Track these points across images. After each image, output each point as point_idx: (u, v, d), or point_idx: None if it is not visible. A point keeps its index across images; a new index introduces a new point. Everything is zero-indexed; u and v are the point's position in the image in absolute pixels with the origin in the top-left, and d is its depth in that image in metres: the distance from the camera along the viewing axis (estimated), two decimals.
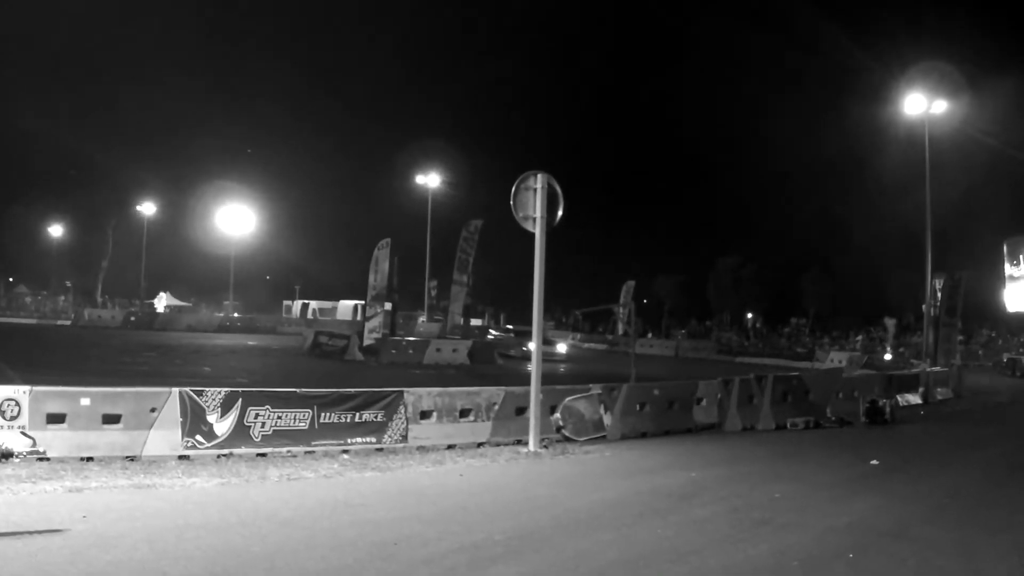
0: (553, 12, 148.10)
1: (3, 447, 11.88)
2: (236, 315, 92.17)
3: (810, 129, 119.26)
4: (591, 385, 22.13)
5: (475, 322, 68.82)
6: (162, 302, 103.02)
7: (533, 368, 19.63)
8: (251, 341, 63.50)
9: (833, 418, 26.01)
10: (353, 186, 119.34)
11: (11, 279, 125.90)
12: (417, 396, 19.14)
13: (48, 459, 14.42)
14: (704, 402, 24.22)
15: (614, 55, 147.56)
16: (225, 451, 16.79)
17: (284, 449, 17.26)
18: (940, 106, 43.28)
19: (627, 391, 22.23)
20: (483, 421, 19.89)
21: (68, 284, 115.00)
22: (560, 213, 19.78)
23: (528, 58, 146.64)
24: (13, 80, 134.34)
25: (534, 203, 19.59)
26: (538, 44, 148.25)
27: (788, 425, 24.70)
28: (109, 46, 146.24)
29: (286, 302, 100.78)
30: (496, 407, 20.05)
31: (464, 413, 19.74)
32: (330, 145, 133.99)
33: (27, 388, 15.88)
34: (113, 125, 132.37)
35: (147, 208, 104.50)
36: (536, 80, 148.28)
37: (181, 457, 16.42)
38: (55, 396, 16.19)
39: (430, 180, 78.73)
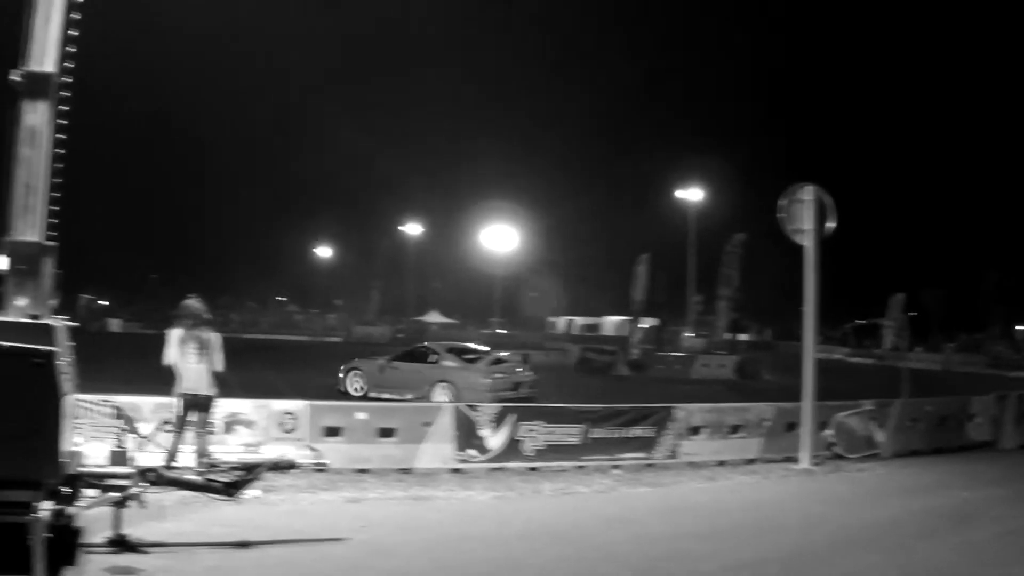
0: (817, 16, 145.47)
1: (286, 459, 12.40)
2: (502, 332, 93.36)
3: None
4: (862, 401, 21.73)
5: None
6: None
7: (805, 383, 19.35)
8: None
9: None
10: (616, 200, 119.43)
11: (284, 298, 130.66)
12: (687, 412, 19.09)
13: (324, 470, 14.96)
14: (977, 418, 23.38)
15: (884, 59, 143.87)
16: (497, 465, 17.04)
17: (555, 464, 17.44)
18: None
19: (901, 407, 21.71)
20: (753, 437, 19.67)
21: (338, 302, 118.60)
22: (831, 225, 19.51)
23: (792, 65, 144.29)
24: (292, 111, 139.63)
25: (804, 216, 19.37)
26: (803, 50, 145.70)
27: None
28: (376, 73, 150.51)
29: (551, 318, 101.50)
30: (767, 423, 19.83)
31: (734, 429, 19.59)
32: (592, 159, 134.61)
33: (306, 403, 16.58)
34: (383, 147, 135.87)
35: (413, 228, 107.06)
36: (801, 88, 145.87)
37: (453, 470, 16.76)
38: (332, 410, 16.99)
39: (691, 194, 78.18)
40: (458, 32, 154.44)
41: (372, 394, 26.98)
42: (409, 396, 24.97)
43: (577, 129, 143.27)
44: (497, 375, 27.74)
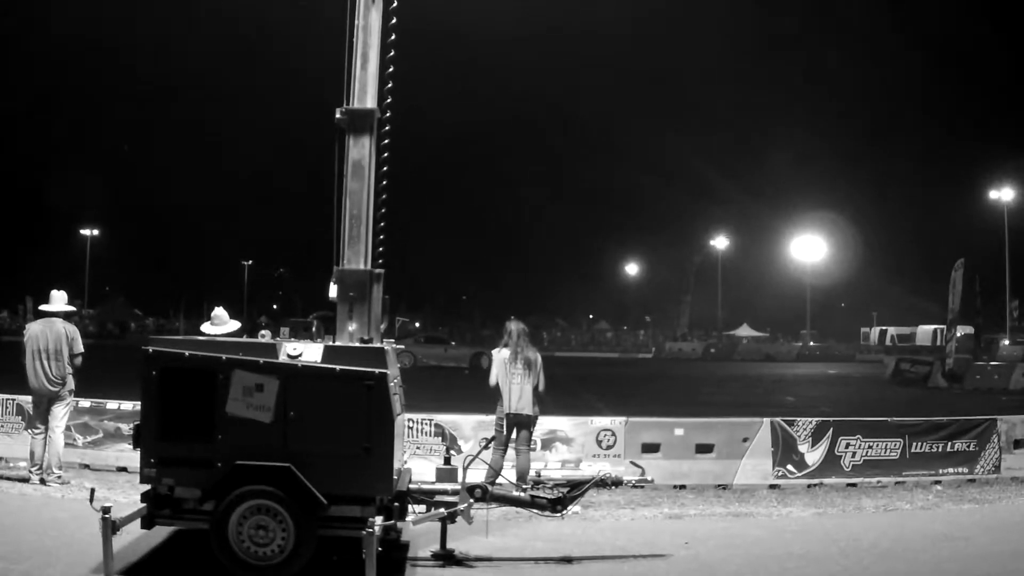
0: None
1: (613, 475, 12.58)
2: (813, 344, 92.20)
3: None
4: None
5: None
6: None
7: None
8: (830, 370, 63.17)
9: None
10: (926, 206, 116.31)
11: (591, 315, 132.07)
12: (1010, 424, 18.32)
13: (642, 487, 15.09)
14: None
15: None
16: (815, 481, 16.85)
17: (874, 479, 17.12)
18: None
19: None
20: None
21: (647, 319, 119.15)
22: None
23: None
24: (602, 129, 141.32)
25: None
26: None
27: None
28: (684, 91, 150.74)
29: (863, 329, 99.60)
30: None
31: None
32: (900, 165, 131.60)
33: (623, 419, 16.80)
34: (692, 162, 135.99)
35: (721, 242, 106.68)
36: None
37: (771, 486, 16.67)
38: (649, 426, 17.04)
39: (1004, 195, 75.42)
40: (763, 43, 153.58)
41: None
42: None
43: (886, 134, 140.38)
44: None
